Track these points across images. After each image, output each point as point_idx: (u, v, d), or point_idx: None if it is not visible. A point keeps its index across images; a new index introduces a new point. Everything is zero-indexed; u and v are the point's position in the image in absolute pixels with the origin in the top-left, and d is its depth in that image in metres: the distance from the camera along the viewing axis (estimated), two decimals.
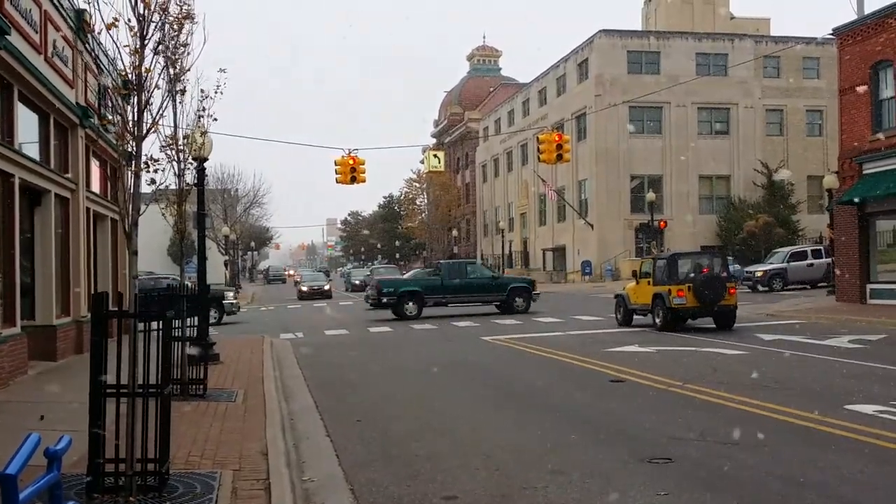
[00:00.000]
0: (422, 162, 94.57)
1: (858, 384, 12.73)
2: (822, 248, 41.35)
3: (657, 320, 22.99)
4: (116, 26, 7.40)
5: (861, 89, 27.72)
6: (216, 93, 12.73)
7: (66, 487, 6.81)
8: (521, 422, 10.80)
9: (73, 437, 6.07)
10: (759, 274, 40.65)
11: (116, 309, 7.01)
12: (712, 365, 15.56)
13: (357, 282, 63.68)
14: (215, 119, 13.34)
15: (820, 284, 38.97)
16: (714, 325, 22.76)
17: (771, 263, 41.42)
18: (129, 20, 7.33)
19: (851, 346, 17.89)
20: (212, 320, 31.91)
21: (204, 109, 12.98)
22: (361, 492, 7.59)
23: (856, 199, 27.62)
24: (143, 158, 7.67)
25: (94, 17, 7.68)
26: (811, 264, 39.97)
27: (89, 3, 7.66)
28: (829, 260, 39.53)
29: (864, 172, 27.90)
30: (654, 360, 16.69)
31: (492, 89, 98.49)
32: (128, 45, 7.42)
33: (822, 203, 50.31)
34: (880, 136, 27.04)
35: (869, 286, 27.97)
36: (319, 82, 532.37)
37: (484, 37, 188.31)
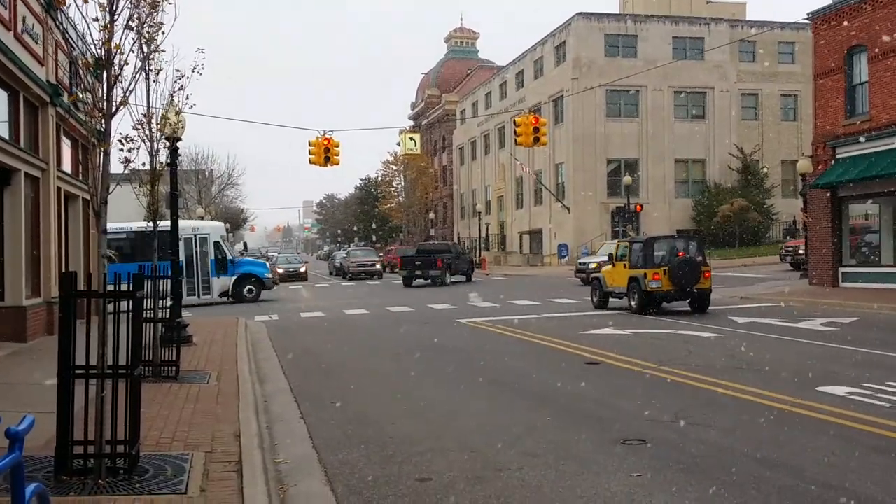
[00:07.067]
0: (398, 144, 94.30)
1: (830, 366, 12.84)
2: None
3: (633, 303, 23.09)
4: (87, 1, 7.22)
5: (835, 74, 27.90)
6: (193, 71, 12.46)
7: (33, 469, 6.73)
8: (496, 404, 10.78)
9: (42, 418, 5.97)
10: (592, 266, 33.44)
11: (85, 288, 6.90)
12: (687, 347, 15.65)
13: (338, 265, 63.00)
14: (193, 104, 13.07)
15: None
16: (689, 309, 22.92)
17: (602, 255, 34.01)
18: None
19: (824, 328, 18.05)
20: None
21: (182, 88, 12.73)
22: (334, 473, 7.56)
23: (829, 183, 27.85)
24: (117, 137, 7.52)
25: None
26: None
27: None
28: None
29: (838, 157, 28.13)
30: (629, 342, 16.76)
31: (469, 71, 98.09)
32: (97, 20, 7.25)
33: (795, 187, 50.67)
34: (854, 120, 27.25)
35: (841, 269, 28.26)
36: (297, 65, 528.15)
37: (461, 19, 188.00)
